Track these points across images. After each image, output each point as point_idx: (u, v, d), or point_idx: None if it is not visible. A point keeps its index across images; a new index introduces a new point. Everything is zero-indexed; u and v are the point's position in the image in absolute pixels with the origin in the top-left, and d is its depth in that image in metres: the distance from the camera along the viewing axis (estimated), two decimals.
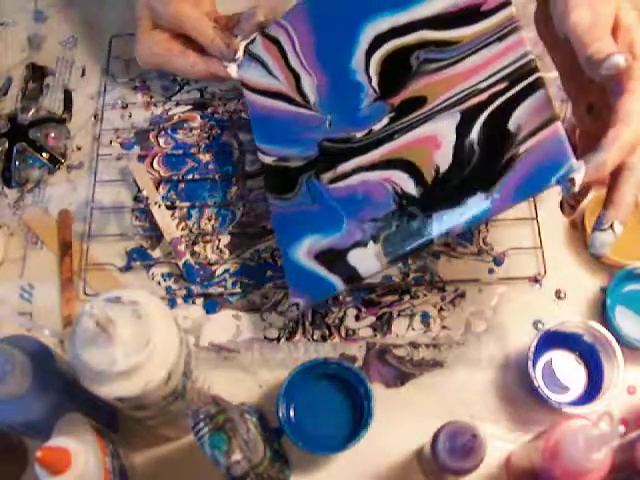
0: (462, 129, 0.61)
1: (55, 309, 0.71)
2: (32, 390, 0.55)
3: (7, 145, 0.77)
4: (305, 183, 0.68)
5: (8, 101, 0.82)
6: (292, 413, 0.65)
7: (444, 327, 0.69)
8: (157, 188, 0.76)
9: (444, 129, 0.62)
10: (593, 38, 0.53)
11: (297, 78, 0.71)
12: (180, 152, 0.78)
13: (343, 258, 0.64)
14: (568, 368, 0.67)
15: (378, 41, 0.67)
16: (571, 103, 0.61)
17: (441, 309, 0.70)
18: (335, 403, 0.65)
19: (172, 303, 0.71)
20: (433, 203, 0.61)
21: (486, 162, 0.60)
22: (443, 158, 0.62)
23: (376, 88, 0.67)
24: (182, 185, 0.76)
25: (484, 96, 0.61)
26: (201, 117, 0.79)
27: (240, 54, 0.73)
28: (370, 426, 0.62)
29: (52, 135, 0.78)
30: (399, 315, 0.70)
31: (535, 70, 0.59)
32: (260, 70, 0.73)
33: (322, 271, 0.64)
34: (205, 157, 0.77)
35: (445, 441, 0.56)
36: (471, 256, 0.72)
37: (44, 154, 0.77)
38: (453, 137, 0.62)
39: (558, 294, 0.70)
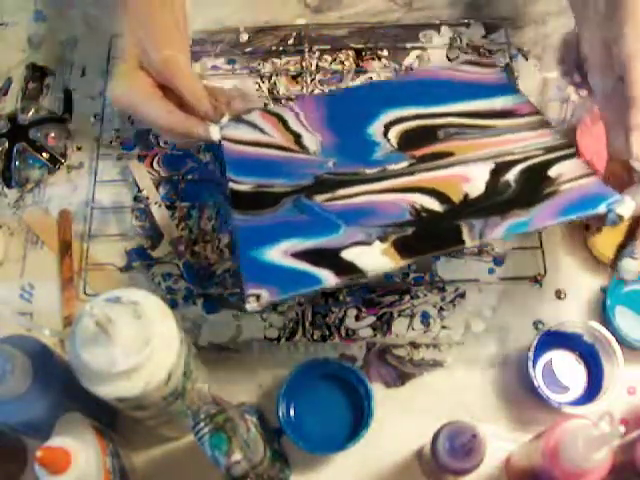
0: (497, 172, 0.61)
1: (55, 309, 0.71)
2: (32, 390, 0.55)
3: (7, 145, 0.77)
4: (292, 202, 0.61)
5: (8, 101, 0.82)
6: (292, 413, 0.65)
7: (444, 327, 0.69)
8: (157, 188, 0.76)
9: (475, 171, 0.61)
10: None
11: (297, 135, 0.66)
12: (180, 152, 0.78)
13: (335, 255, 0.57)
14: (568, 368, 0.67)
15: (400, 120, 0.66)
16: (607, 129, 0.60)
17: (441, 309, 0.70)
18: (335, 403, 0.65)
19: (172, 303, 0.71)
20: (462, 216, 0.58)
21: (523, 194, 0.59)
22: (473, 189, 0.60)
23: (394, 145, 0.64)
24: (182, 185, 0.76)
25: (520, 156, 0.62)
26: None
27: (226, 119, 0.65)
28: (370, 426, 0.62)
29: (52, 135, 0.78)
30: (399, 315, 0.70)
31: (571, 147, 0.62)
32: (249, 130, 0.67)
33: (302, 266, 0.57)
34: (205, 157, 0.77)
35: (445, 441, 0.56)
36: (471, 256, 0.72)
37: (44, 154, 0.77)
38: (486, 177, 0.60)
39: (558, 294, 0.70)
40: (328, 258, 0.57)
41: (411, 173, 0.62)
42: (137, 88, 0.65)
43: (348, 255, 0.57)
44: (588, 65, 0.61)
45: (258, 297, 0.55)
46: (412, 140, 0.64)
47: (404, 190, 0.61)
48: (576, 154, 0.61)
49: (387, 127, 0.66)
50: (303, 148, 0.65)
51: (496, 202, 0.58)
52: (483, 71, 0.71)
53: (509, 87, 0.69)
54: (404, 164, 0.63)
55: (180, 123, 0.63)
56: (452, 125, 0.65)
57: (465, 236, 0.56)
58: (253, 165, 0.64)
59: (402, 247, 0.57)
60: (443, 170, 0.62)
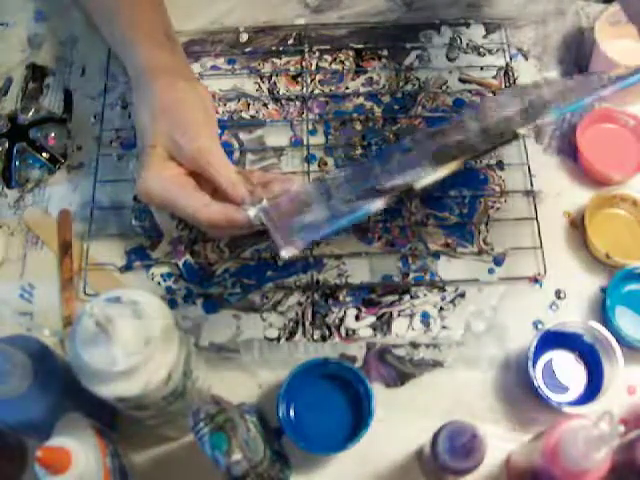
0: None
1: (55, 309, 0.71)
2: (32, 390, 0.55)
3: (7, 145, 0.77)
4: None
5: (8, 101, 0.82)
6: (292, 413, 0.65)
7: (444, 327, 0.69)
8: None
9: None
10: None
11: None
12: None
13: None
14: (568, 368, 0.67)
15: None
16: None
17: (441, 309, 0.70)
18: (335, 403, 0.65)
19: (172, 303, 0.71)
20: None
21: None
22: None
23: None
24: None
25: None
26: None
27: (265, 202, 0.62)
28: (370, 426, 0.62)
29: (52, 135, 0.78)
30: (399, 315, 0.70)
31: None
32: None
33: None
34: None
35: (445, 441, 0.56)
36: (471, 256, 0.72)
37: (44, 154, 0.77)
38: None
39: (558, 294, 0.70)
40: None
41: None
42: (169, 182, 0.64)
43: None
44: None
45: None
46: None
47: None
48: None
49: None
50: None
51: None
52: None
53: None
54: None
55: (218, 214, 0.62)
56: None
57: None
58: None
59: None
60: None
